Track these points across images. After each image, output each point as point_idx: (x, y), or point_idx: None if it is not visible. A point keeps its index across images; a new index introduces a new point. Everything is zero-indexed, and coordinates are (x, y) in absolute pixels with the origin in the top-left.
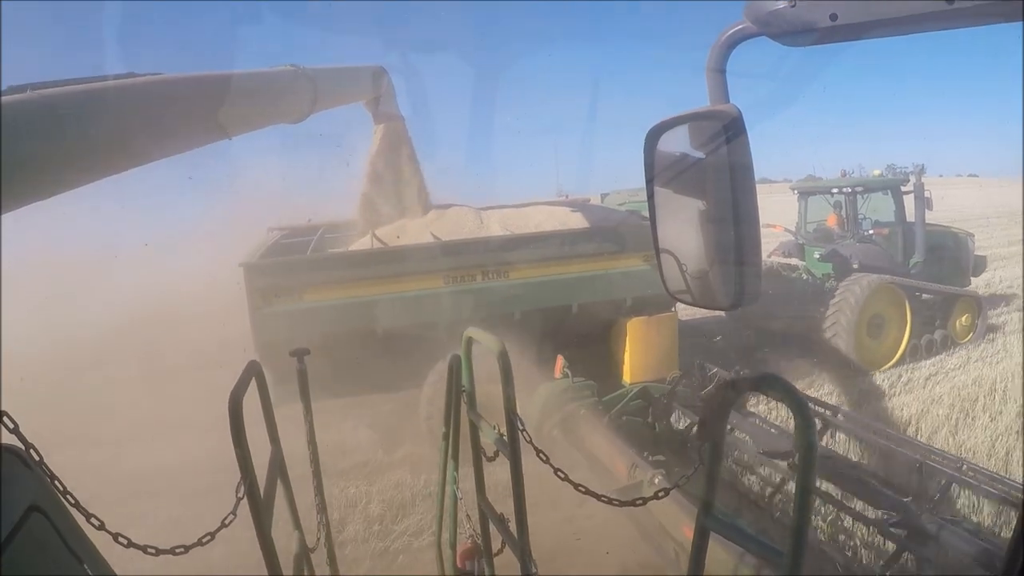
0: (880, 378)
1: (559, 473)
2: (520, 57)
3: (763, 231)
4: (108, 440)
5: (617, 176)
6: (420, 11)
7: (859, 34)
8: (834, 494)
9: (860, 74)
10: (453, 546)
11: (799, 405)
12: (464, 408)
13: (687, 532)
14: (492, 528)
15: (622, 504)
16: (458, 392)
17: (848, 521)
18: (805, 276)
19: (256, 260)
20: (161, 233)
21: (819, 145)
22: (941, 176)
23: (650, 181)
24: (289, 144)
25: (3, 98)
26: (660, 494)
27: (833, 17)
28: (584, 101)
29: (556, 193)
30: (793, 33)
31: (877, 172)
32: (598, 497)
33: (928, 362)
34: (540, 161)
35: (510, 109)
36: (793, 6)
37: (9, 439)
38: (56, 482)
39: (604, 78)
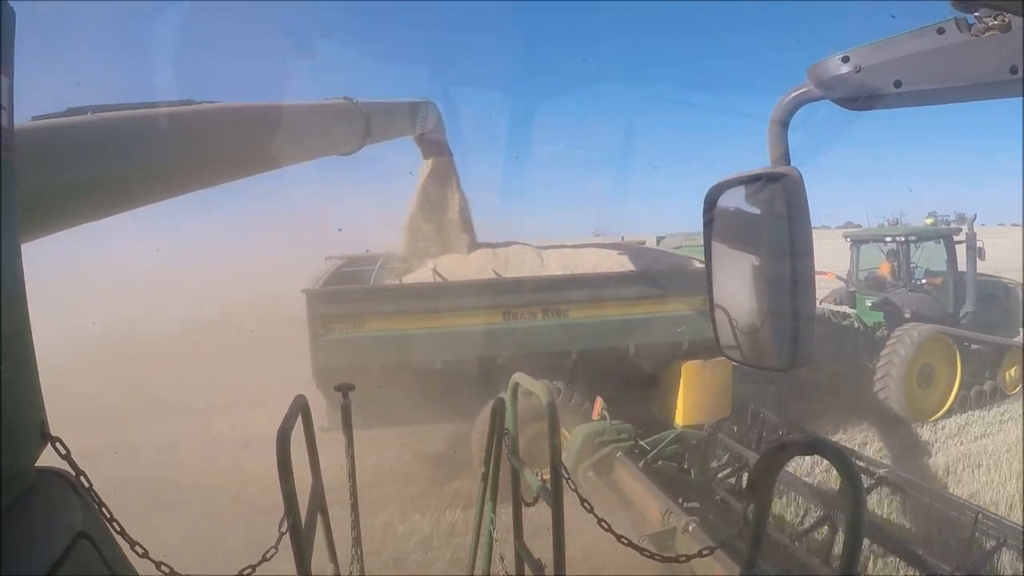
0: (928, 429)
1: (603, 524)
2: (563, 95)
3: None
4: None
5: (657, 220)
6: (468, 50)
7: (923, 101)
8: (874, 552)
9: (895, 119)
10: None
11: (850, 473)
12: (506, 451)
13: None
14: (527, 571)
15: (665, 560)
16: (500, 435)
17: None
18: (856, 324)
19: (319, 288)
20: (203, 254)
21: (856, 190)
22: (983, 225)
23: (708, 237)
24: (338, 174)
25: (65, 119)
26: (704, 552)
27: (898, 84)
28: (625, 143)
29: (593, 233)
30: (857, 98)
31: (930, 221)
32: (641, 551)
33: (977, 413)
34: (574, 199)
35: (551, 147)
36: (858, 71)
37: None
38: (104, 509)
39: (647, 121)
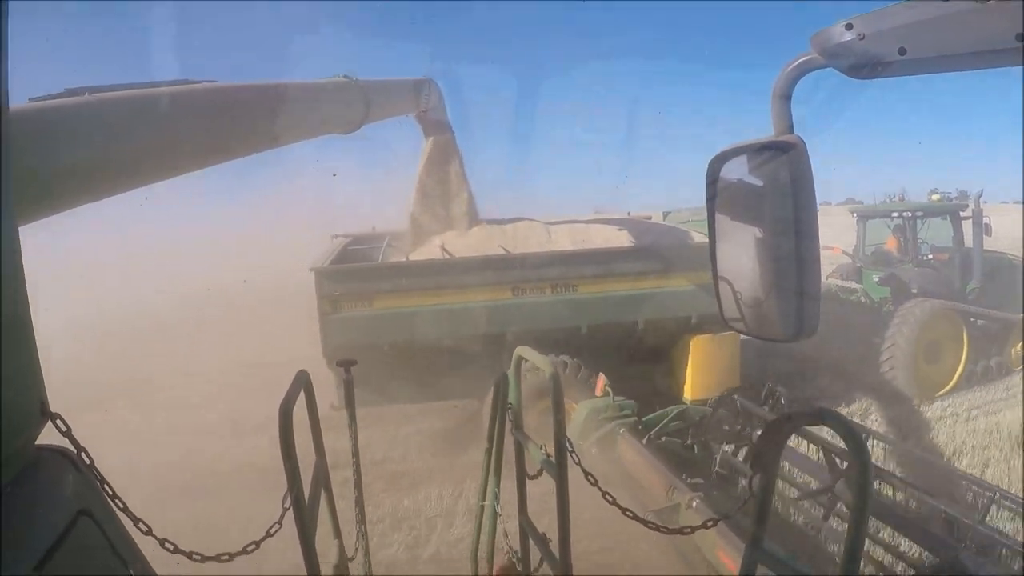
0: (934, 405)
1: (607, 496)
2: (565, 72)
3: (821, 252)
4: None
5: (660, 195)
6: (470, 28)
7: (927, 68)
8: (875, 528)
9: (895, 93)
10: (490, 561)
11: (856, 443)
12: (509, 426)
13: (723, 557)
14: (532, 546)
15: (670, 532)
16: (503, 409)
17: (888, 558)
18: (863, 299)
19: (327, 266)
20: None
21: (856, 167)
22: (986, 203)
23: (711, 208)
24: (339, 152)
25: (62, 100)
26: (709, 523)
27: (902, 51)
28: (625, 120)
29: (593, 210)
30: (860, 66)
31: (936, 197)
32: (645, 523)
33: (982, 390)
34: (573, 176)
35: (552, 125)
36: (861, 39)
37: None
38: (106, 486)
39: (646, 97)
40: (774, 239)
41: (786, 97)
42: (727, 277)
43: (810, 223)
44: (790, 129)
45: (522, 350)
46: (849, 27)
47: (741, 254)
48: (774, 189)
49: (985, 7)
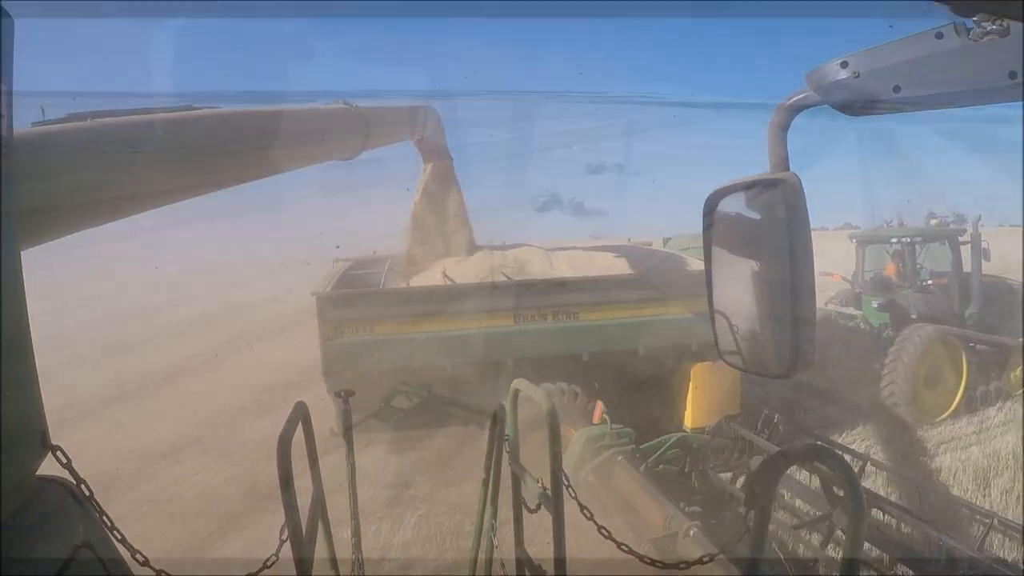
0: (933, 431)
1: (603, 531)
2: (562, 96)
3: (820, 279)
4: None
5: (656, 222)
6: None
7: (922, 106)
8: (871, 553)
9: (892, 121)
10: None
11: (851, 481)
12: (506, 458)
13: None
14: None
15: (665, 567)
16: (500, 442)
17: None
18: (862, 325)
19: (329, 291)
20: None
21: (853, 191)
22: (984, 226)
23: (708, 243)
24: (337, 176)
25: (65, 125)
26: (705, 559)
27: (896, 89)
28: (618, 148)
29: (589, 236)
30: (855, 103)
31: (935, 222)
32: (641, 558)
33: (981, 416)
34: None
35: (548, 151)
36: (856, 76)
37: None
38: (105, 518)
39: (647, 122)
40: (770, 274)
41: (782, 132)
42: (723, 311)
43: (806, 258)
44: (785, 165)
45: (519, 383)
46: (844, 65)
47: (738, 288)
48: (770, 224)
49: (977, 45)
